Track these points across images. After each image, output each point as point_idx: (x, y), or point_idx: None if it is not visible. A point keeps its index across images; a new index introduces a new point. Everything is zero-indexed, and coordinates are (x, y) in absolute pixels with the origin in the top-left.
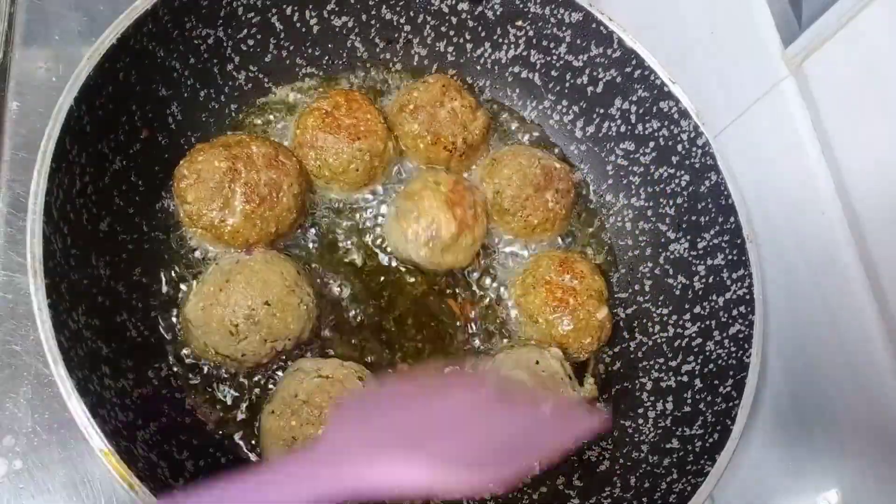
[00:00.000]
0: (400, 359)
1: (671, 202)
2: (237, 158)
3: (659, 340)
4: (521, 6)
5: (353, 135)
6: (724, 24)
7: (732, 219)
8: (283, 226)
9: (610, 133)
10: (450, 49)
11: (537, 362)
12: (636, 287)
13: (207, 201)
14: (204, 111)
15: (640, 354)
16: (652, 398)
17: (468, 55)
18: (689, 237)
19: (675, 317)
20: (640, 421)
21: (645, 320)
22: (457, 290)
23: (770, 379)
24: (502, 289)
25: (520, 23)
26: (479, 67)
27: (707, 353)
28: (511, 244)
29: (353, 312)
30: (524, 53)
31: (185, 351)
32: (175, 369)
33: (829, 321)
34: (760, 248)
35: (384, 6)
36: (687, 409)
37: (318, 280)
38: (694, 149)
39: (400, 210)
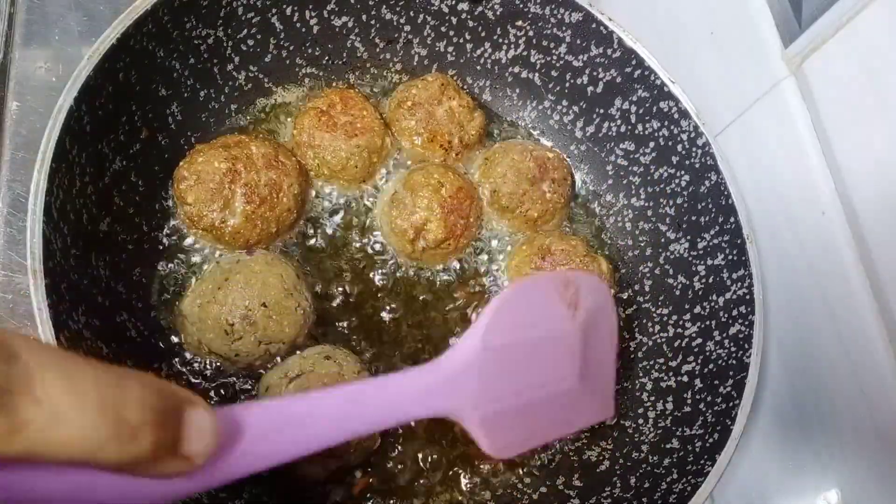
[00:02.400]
0: (400, 360)
1: (671, 202)
2: (237, 159)
3: (659, 340)
4: (521, 6)
5: (349, 132)
6: (724, 24)
7: (732, 219)
8: (284, 226)
9: (610, 133)
10: (450, 49)
11: None
12: (636, 287)
13: (208, 202)
14: (204, 111)
15: (640, 354)
16: (652, 398)
17: (468, 55)
18: (689, 237)
19: (675, 317)
20: (640, 421)
21: (645, 320)
22: (458, 289)
23: (770, 379)
24: (500, 274)
25: (520, 23)
26: (479, 67)
27: (707, 354)
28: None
29: (352, 313)
30: (524, 53)
31: (186, 353)
32: (175, 370)
33: (829, 321)
34: (760, 248)
35: (384, 6)
36: (687, 409)
37: (318, 281)
38: (694, 149)
39: (397, 196)
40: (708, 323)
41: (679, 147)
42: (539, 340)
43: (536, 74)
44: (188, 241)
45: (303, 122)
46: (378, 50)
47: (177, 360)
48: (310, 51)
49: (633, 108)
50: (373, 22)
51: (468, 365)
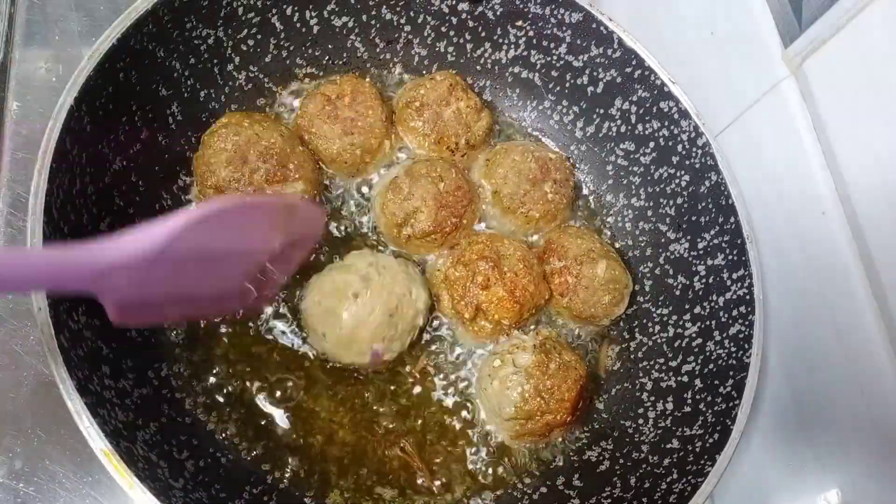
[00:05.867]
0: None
1: (671, 202)
2: (255, 138)
3: (659, 340)
4: (521, 6)
5: (347, 128)
6: (724, 24)
7: (732, 219)
8: None
9: (610, 133)
10: (450, 49)
11: None
12: (636, 287)
13: (224, 165)
14: (204, 111)
15: (640, 354)
16: (652, 398)
17: (468, 55)
18: (689, 237)
19: (675, 317)
20: (640, 421)
21: (645, 320)
22: None
23: (770, 379)
24: None
25: (520, 23)
26: (479, 67)
27: (707, 354)
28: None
29: None
30: (524, 53)
31: (185, 356)
32: (175, 370)
33: (829, 321)
34: (760, 248)
35: (384, 6)
36: (687, 409)
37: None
38: (694, 149)
39: (396, 181)
40: (708, 323)
41: (679, 147)
42: (220, 253)
43: (536, 74)
44: None
45: (307, 106)
46: (378, 50)
47: (176, 360)
48: (310, 51)
49: (633, 109)
50: (373, 22)
51: (128, 266)
